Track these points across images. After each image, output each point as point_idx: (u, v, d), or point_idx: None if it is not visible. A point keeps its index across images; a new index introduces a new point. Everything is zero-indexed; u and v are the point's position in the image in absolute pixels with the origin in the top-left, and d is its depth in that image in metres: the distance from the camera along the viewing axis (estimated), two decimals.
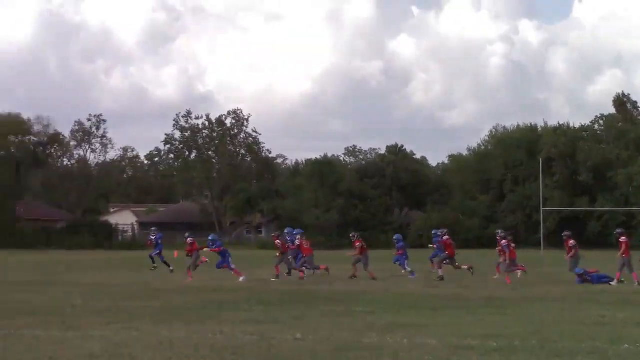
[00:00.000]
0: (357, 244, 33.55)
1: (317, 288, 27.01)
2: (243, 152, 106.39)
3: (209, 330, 15.11)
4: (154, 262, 37.68)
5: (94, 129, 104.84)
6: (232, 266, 31.70)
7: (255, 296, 23.40)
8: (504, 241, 32.43)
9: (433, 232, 38.72)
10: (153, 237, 39.03)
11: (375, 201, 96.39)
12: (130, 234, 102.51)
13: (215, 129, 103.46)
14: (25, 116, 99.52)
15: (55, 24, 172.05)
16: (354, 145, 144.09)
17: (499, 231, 35.69)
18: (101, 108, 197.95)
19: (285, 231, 36.27)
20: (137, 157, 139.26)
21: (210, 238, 33.31)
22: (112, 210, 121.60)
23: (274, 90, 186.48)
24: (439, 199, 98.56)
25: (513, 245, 33.66)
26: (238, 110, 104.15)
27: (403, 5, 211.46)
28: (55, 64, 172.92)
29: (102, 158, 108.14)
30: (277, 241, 34.36)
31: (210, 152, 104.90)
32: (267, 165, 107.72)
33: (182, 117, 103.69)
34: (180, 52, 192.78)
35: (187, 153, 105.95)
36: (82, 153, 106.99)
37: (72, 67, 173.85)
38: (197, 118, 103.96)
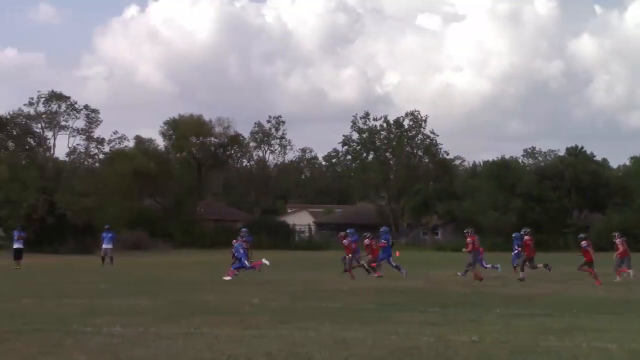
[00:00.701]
0: (469, 239, 33.20)
1: (493, 290, 26.75)
2: (420, 153, 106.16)
3: (384, 331, 15.10)
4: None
5: (273, 130, 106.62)
6: (233, 266, 33.34)
7: (431, 298, 23.34)
8: (584, 242, 31.77)
9: (514, 235, 38.48)
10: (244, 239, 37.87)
11: (553, 203, 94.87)
12: (307, 234, 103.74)
13: (393, 130, 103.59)
14: (206, 117, 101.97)
15: (237, 26, 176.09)
16: (532, 147, 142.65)
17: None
18: (280, 109, 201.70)
19: (348, 231, 36.39)
20: (315, 158, 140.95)
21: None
22: (289, 210, 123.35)
23: (452, 91, 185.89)
24: (619, 201, 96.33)
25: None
26: (415, 111, 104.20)
27: (585, 4, 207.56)
28: (236, 66, 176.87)
29: (280, 159, 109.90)
30: (345, 241, 34.56)
31: (387, 154, 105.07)
32: (444, 167, 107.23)
33: (360, 118, 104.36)
34: (358, 54, 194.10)
35: (365, 154, 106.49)
36: (261, 154, 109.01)
37: (253, 69, 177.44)
38: (374, 119, 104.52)
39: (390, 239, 35.72)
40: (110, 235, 44.41)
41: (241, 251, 34.11)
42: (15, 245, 42.97)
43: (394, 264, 34.39)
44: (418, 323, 16.54)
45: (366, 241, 35.36)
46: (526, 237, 33.94)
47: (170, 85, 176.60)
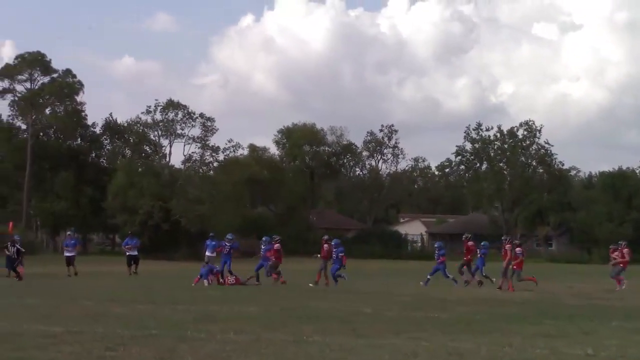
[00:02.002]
0: (508, 246, 32.92)
1: (609, 303, 26.29)
2: (534, 163, 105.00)
3: (497, 343, 14.94)
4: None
5: (385, 140, 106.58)
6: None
7: (544, 309, 23.04)
8: (518, 249, 32.11)
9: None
10: (228, 245, 37.46)
11: None
12: (420, 244, 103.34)
13: (507, 140, 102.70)
14: (319, 126, 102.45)
15: (351, 35, 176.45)
16: None
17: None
18: (393, 118, 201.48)
19: (263, 239, 36.58)
20: (428, 167, 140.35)
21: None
22: (401, 220, 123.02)
23: (567, 101, 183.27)
24: None
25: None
26: (530, 121, 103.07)
27: None
28: (350, 75, 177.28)
29: (393, 168, 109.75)
30: (325, 245, 34.15)
31: (501, 164, 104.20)
32: (559, 177, 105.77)
33: (473, 129, 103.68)
34: (473, 63, 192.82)
35: (478, 164, 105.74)
36: (373, 163, 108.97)
37: (366, 78, 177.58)
38: (487, 129, 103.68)
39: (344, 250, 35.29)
40: (213, 243, 44.87)
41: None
42: (127, 253, 43.61)
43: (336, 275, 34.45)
44: (531, 335, 16.33)
45: (276, 246, 35.22)
46: (470, 243, 34.44)
47: (284, 94, 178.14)
